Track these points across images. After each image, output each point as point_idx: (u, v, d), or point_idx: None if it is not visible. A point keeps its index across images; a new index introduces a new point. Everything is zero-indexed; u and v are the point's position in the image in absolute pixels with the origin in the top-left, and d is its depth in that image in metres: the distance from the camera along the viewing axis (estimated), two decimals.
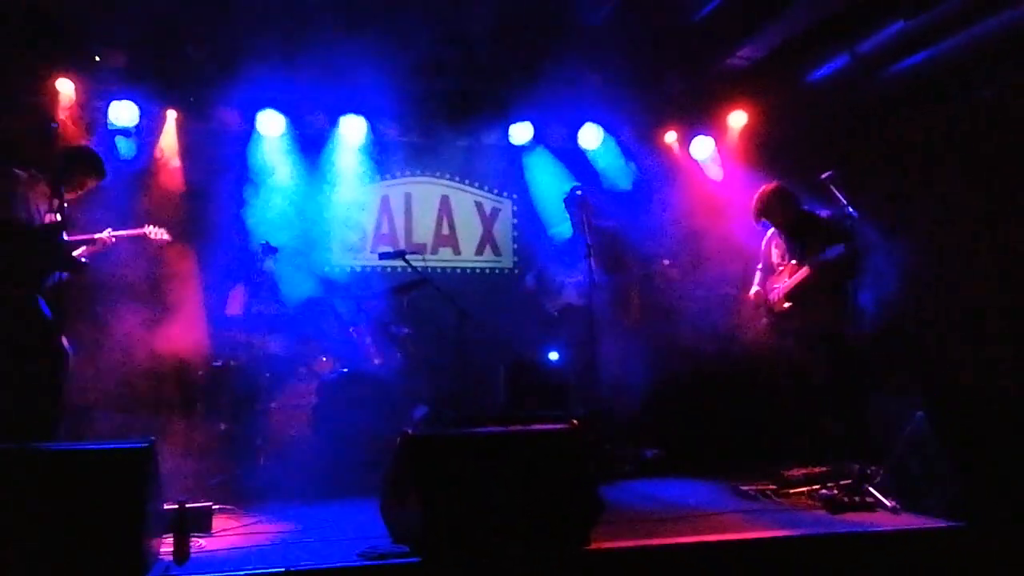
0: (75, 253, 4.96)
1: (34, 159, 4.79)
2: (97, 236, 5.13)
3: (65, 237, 4.65)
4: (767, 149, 7.06)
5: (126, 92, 6.16)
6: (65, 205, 4.54)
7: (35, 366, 4.51)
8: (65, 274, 4.59)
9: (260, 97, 6.55)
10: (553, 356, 6.76)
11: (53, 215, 4.56)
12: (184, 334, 5.80)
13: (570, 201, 6.50)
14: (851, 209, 5.11)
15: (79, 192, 4.95)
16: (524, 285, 6.82)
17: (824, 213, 5.53)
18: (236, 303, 5.99)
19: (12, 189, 4.63)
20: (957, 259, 6.16)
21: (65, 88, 5.93)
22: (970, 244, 6.05)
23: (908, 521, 4.00)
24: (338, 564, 3.26)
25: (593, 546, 3.50)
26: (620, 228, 6.65)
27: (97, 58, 5.93)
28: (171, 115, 6.46)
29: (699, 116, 7.26)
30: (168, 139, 6.43)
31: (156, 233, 5.46)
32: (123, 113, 6.18)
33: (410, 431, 4.03)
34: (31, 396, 4.46)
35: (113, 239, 5.18)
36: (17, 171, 4.70)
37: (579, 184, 6.69)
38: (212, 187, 6.39)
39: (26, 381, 4.47)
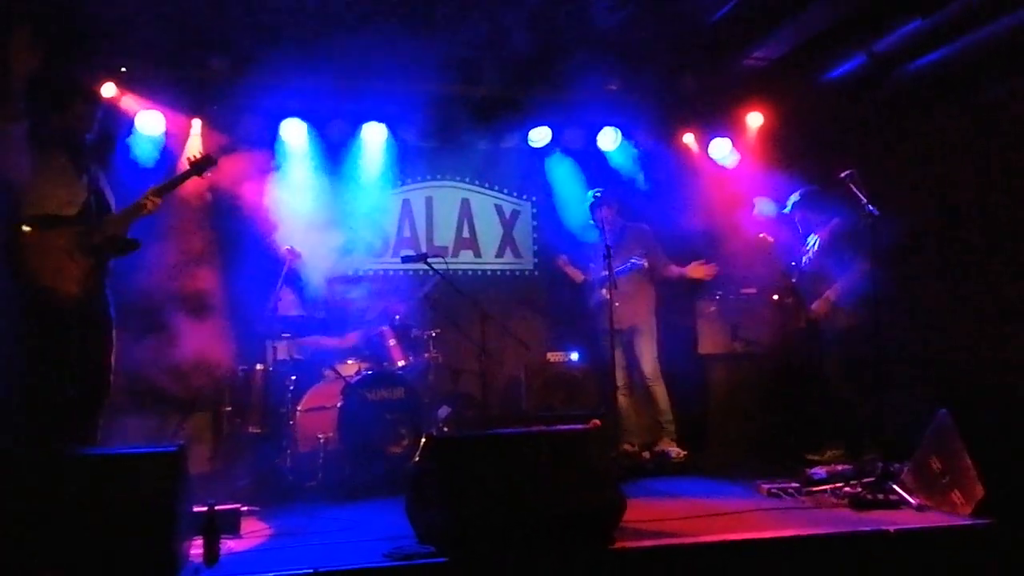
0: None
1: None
2: (145, 199, 4.68)
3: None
4: (785, 149, 7.05)
5: (151, 102, 6.25)
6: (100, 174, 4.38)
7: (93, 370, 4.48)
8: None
9: (283, 106, 6.63)
10: (574, 356, 6.80)
11: (85, 189, 4.38)
12: (211, 339, 5.87)
13: (594, 206, 6.56)
14: (871, 207, 5.12)
15: (82, 126, 4.62)
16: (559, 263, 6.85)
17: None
18: (287, 304, 6.06)
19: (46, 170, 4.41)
20: (976, 257, 6.12)
21: (109, 92, 5.97)
22: (989, 242, 6.01)
23: (933, 519, 4.00)
24: (365, 565, 3.30)
25: (617, 545, 3.52)
26: (650, 228, 6.69)
27: (123, 68, 6.02)
28: (196, 124, 6.55)
29: (716, 117, 7.26)
30: (193, 148, 6.51)
31: (195, 156, 5.03)
32: (149, 122, 6.27)
33: (434, 432, 4.09)
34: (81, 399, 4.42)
35: (159, 201, 4.73)
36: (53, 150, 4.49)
37: (601, 188, 6.73)
38: (237, 194, 6.46)
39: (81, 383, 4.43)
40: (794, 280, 6.16)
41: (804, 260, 6.12)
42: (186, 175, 4.93)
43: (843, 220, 5.66)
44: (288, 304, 6.05)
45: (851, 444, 5.52)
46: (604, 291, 6.10)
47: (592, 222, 6.65)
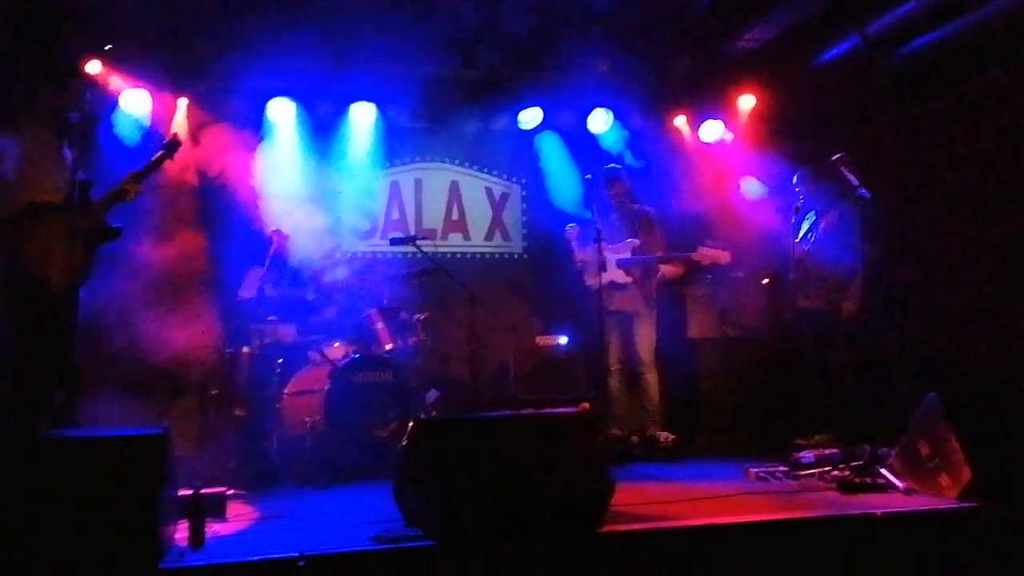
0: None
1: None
2: (125, 185, 4.70)
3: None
4: (777, 132, 7.03)
5: (137, 80, 6.17)
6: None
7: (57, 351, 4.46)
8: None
9: (270, 85, 6.57)
10: (563, 340, 6.78)
11: (69, 174, 4.33)
12: (198, 320, 5.83)
13: (606, 181, 6.44)
14: (862, 191, 5.10)
15: (72, 105, 4.56)
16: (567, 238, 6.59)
17: None
18: (251, 286, 6.03)
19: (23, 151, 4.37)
20: (968, 242, 6.12)
21: (94, 69, 5.91)
22: (981, 227, 6.01)
23: (919, 502, 4.01)
24: (352, 548, 3.28)
25: (605, 528, 3.52)
26: (655, 212, 6.55)
27: (109, 47, 5.93)
28: (182, 103, 6.48)
29: (708, 99, 7.23)
30: (179, 127, 6.45)
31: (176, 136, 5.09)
32: (135, 101, 6.20)
33: (422, 416, 4.07)
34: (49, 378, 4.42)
35: (140, 187, 4.76)
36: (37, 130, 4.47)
37: (616, 164, 6.63)
38: (223, 174, 6.40)
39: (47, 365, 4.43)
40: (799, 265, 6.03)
41: (810, 237, 6.02)
42: (160, 160, 4.93)
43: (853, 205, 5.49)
44: (274, 287, 6.00)
45: (841, 429, 5.50)
46: (592, 277, 6.04)
47: (596, 199, 6.49)
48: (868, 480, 4.39)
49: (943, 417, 4.15)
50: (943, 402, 4.20)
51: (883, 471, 4.43)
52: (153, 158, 4.95)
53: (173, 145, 4.98)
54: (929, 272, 6.19)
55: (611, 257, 6.22)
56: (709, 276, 6.88)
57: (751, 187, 6.99)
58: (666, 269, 6.30)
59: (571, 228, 6.54)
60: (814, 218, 6.03)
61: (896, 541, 3.64)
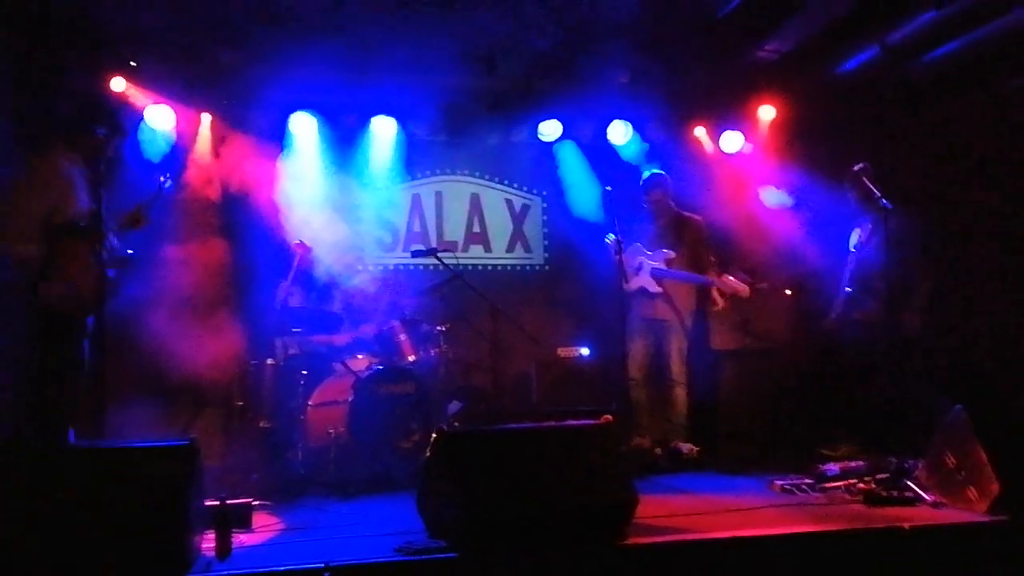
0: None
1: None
2: (137, 214, 4.90)
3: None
4: (797, 142, 7.01)
5: (161, 96, 6.25)
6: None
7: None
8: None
9: (292, 99, 6.63)
10: (584, 351, 6.77)
11: (97, 200, 4.43)
12: (222, 332, 5.87)
13: (647, 187, 6.41)
14: (884, 201, 5.08)
15: (98, 156, 4.68)
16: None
17: None
18: (298, 298, 6.08)
19: (67, 176, 4.52)
20: (993, 251, 6.07)
21: (119, 86, 6.00)
22: (1005, 238, 5.96)
23: (948, 516, 3.97)
24: (376, 559, 3.29)
25: (628, 541, 3.51)
26: (702, 220, 6.50)
27: (133, 63, 6.02)
28: (205, 119, 6.55)
29: (728, 110, 7.22)
30: (203, 142, 6.52)
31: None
32: (159, 117, 6.28)
33: (445, 427, 4.08)
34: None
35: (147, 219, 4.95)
36: (65, 152, 4.60)
37: (660, 170, 6.60)
38: (247, 188, 6.46)
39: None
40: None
41: (857, 246, 5.93)
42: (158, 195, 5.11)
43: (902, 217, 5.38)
44: (298, 298, 6.05)
45: (868, 441, 5.43)
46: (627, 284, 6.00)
47: (619, 210, 6.48)
48: (895, 493, 4.34)
49: (970, 430, 4.11)
50: (970, 414, 4.16)
51: (910, 483, 4.39)
52: (154, 193, 5.10)
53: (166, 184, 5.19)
54: (955, 282, 6.14)
55: (647, 264, 6.22)
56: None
57: (772, 196, 6.96)
58: (716, 297, 6.20)
59: (611, 240, 6.39)
60: (868, 226, 5.93)
61: (924, 554, 3.60)
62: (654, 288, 6.22)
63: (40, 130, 5.14)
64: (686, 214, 6.48)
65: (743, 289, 6.10)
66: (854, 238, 5.98)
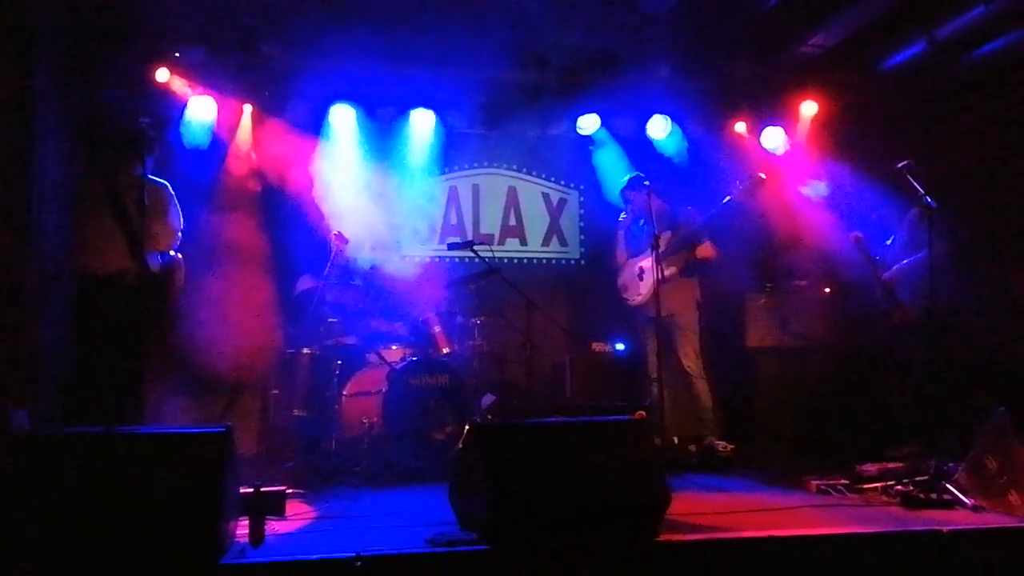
0: None
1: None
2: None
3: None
4: (840, 139, 6.90)
5: (203, 87, 6.32)
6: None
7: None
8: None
9: (332, 91, 6.67)
10: (619, 346, 6.74)
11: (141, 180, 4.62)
12: (259, 322, 5.93)
13: (625, 191, 6.45)
14: (928, 199, 4.98)
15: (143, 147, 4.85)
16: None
17: None
18: (336, 289, 6.13)
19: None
20: None
21: (163, 76, 6.08)
22: None
23: (988, 520, 3.89)
24: (407, 550, 3.30)
25: (661, 538, 3.48)
26: (695, 211, 6.44)
27: (177, 54, 6.09)
28: (247, 109, 6.62)
29: (769, 106, 7.12)
30: (244, 133, 6.59)
31: None
32: (201, 108, 6.35)
33: (478, 420, 4.08)
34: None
35: None
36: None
37: (636, 173, 6.57)
38: (286, 179, 6.52)
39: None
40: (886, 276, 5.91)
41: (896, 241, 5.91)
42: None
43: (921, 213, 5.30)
44: (336, 289, 6.08)
45: (929, 442, 5.30)
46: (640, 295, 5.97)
47: (623, 206, 6.51)
48: (934, 496, 4.26)
49: (1012, 432, 4.03)
50: (1012, 417, 4.07)
51: (949, 487, 4.30)
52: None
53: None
54: (1001, 278, 6.01)
55: (643, 267, 6.17)
56: (768, 285, 6.78)
57: (817, 189, 6.85)
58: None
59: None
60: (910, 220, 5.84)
61: (964, 559, 3.52)
62: (648, 287, 6.10)
63: (88, 124, 5.21)
64: (677, 208, 6.43)
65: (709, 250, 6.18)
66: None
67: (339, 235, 6.05)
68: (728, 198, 6.09)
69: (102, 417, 4.36)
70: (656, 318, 5.76)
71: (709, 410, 6.20)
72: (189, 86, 6.25)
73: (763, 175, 6.04)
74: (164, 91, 6.10)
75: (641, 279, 6.24)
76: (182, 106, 6.27)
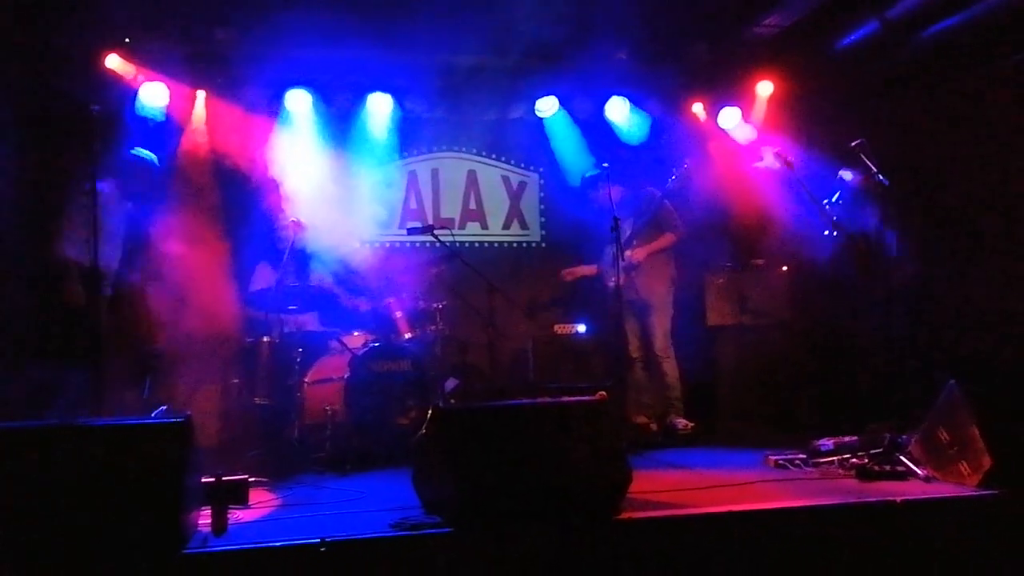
0: None
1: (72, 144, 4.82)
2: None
3: None
4: (795, 118, 6.98)
5: (155, 73, 6.21)
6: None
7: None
8: None
9: (287, 76, 6.60)
10: (581, 328, 6.79)
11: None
12: (218, 310, 5.87)
13: (587, 186, 6.53)
14: (881, 177, 5.07)
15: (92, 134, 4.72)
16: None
17: None
18: (262, 279, 6.07)
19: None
20: (992, 226, 6.05)
21: (113, 63, 5.96)
22: (1007, 212, 5.94)
23: (940, 490, 3.98)
24: (372, 534, 3.31)
25: (623, 516, 3.53)
26: (660, 193, 6.54)
27: (127, 40, 5.97)
28: (200, 95, 6.52)
29: (726, 86, 7.19)
30: (198, 119, 6.49)
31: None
32: (153, 94, 6.24)
33: (441, 404, 4.09)
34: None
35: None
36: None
37: (595, 168, 6.63)
38: (242, 166, 6.44)
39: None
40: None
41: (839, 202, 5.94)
42: None
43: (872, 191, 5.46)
44: (294, 276, 6.04)
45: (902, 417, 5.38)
46: (615, 279, 6.01)
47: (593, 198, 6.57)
48: (888, 467, 4.35)
49: (963, 405, 4.12)
50: (963, 389, 4.16)
51: (903, 458, 4.40)
52: None
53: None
54: (951, 257, 6.13)
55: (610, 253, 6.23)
56: (727, 265, 6.85)
57: (767, 159, 6.91)
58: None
59: (565, 273, 6.81)
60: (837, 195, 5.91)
61: (917, 528, 3.61)
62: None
63: (37, 108, 5.10)
64: (640, 191, 6.54)
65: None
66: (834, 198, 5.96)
67: (296, 222, 6.00)
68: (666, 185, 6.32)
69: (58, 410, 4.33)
70: (627, 300, 5.86)
71: (677, 389, 6.30)
72: (141, 72, 6.14)
73: (687, 164, 6.38)
74: (114, 77, 5.98)
75: (612, 264, 6.28)
76: (133, 93, 6.16)
